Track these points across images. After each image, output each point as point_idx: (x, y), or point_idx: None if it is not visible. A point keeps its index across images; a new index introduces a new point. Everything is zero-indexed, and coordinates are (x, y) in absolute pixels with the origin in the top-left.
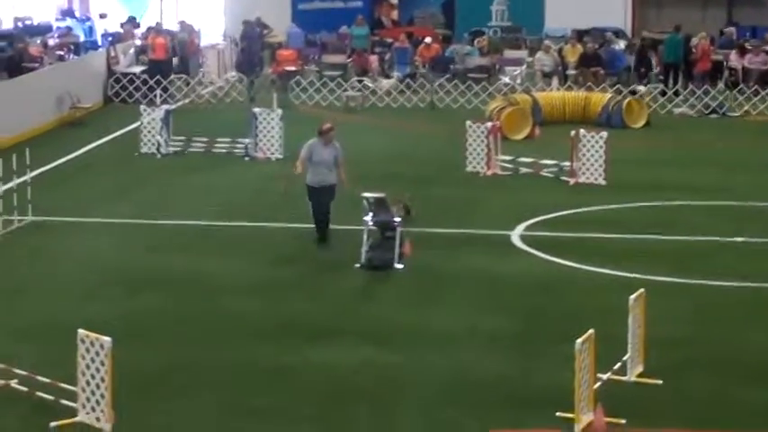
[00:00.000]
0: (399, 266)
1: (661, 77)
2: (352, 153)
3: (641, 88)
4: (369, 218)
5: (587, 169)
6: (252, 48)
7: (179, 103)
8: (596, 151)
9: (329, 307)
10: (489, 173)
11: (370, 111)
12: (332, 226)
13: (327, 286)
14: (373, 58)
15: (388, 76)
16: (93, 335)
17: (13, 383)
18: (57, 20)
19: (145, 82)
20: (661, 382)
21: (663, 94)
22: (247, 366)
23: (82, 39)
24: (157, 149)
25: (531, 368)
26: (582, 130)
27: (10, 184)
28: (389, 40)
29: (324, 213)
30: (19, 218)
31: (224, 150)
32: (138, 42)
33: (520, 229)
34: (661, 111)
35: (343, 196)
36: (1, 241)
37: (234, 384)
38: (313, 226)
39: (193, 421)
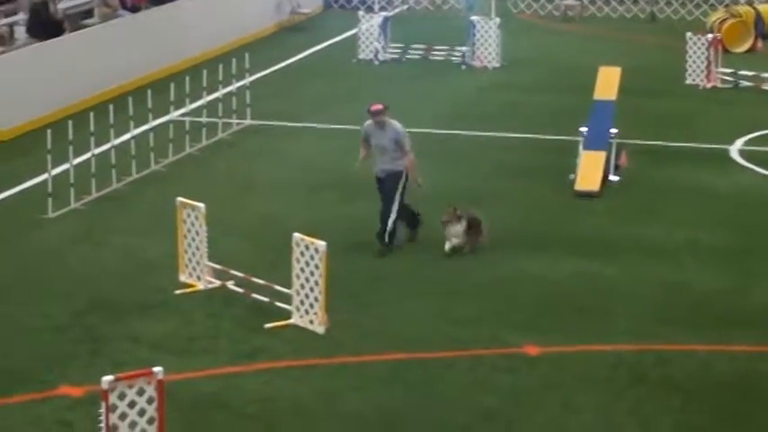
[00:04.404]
0: (615, 178)
1: None
2: (569, 64)
3: None
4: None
5: None
6: None
7: (397, 10)
8: None
9: (545, 218)
10: (709, 86)
11: (588, 20)
12: (541, 136)
13: (543, 197)
14: None
15: None
16: (308, 238)
17: (230, 285)
18: None
19: None
20: None
21: None
22: (462, 276)
23: None
24: (375, 56)
25: (748, 286)
26: None
27: (230, 88)
28: None
29: (385, 207)
30: (237, 121)
31: (441, 58)
32: None
33: (739, 143)
34: None
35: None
36: (220, 144)
37: (448, 293)
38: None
39: (406, 327)
